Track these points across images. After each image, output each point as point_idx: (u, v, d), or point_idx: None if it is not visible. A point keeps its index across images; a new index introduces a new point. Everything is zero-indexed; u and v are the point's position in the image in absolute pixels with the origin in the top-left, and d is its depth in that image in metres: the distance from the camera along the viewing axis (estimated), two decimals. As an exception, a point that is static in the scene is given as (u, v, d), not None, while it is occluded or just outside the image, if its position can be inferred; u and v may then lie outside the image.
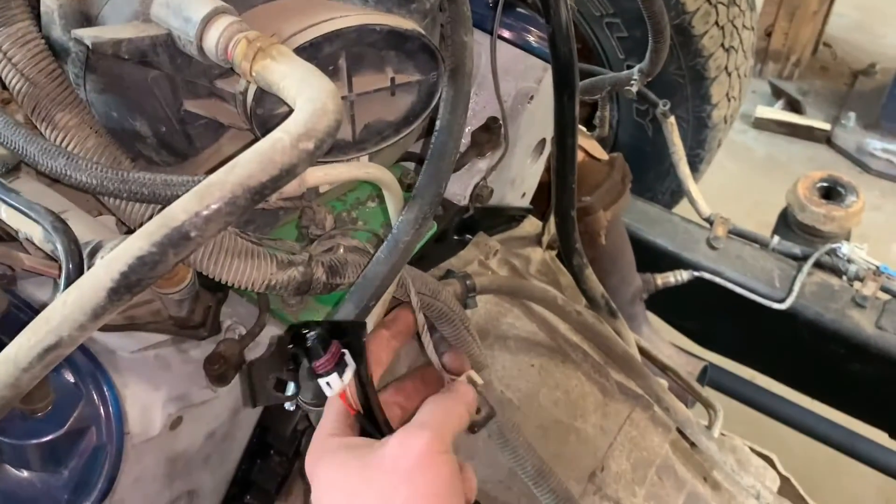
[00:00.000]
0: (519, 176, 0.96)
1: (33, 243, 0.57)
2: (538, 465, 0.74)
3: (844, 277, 1.39)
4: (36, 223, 0.53)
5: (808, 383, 1.43)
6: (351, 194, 0.82)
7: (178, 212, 0.43)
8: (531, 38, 0.85)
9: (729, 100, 1.73)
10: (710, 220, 1.43)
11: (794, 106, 2.84)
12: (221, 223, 0.43)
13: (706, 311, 1.43)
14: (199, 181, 0.48)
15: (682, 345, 1.40)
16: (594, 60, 1.65)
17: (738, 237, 1.44)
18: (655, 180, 1.83)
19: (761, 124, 2.77)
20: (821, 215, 1.49)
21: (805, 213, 1.51)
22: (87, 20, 0.57)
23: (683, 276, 1.31)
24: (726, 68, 1.67)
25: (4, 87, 0.56)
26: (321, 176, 0.54)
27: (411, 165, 0.86)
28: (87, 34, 0.51)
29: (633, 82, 1.08)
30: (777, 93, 2.90)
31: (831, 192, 1.55)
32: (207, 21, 0.51)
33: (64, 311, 0.44)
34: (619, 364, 0.87)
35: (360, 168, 0.57)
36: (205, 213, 0.42)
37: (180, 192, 0.50)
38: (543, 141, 0.97)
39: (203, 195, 0.43)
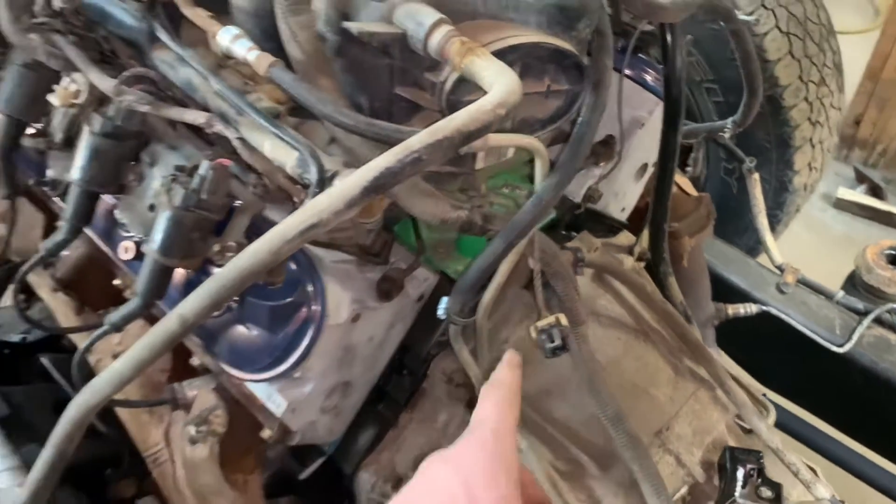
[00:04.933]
0: (622, 190, 1.16)
1: (283, 171, 0.80)
2: (617, 410, 0.92)
3: (902, 335, 1.52)
4: (296, 151, 0.76)
5: (855, 426, 1.55)
6: (490, 181, 1.03)
7: (415, 142, 0.64)
8: (648, 78, 1.07)
9: (810, 169, 1.90)
10: (781, 268, 1.59)
11: (876, 192, 2.96)
12: (441, 154, 0.65)
13: (768, 349, 1.57)
14: (419, 132, 0.70)
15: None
16: (691, 119, 1.85)
17: (805, 287, 1.59)
18: (734, 234, 1.99)
19: (842, 205, 2.90)
20: (885, 278, 1.63)
21: (871, 275, 1.65)
22: (345, 20, 0.80)
23: (752, 308, 1.47)
24: (811, 140, 1.84)
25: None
26: (499, 139, 0.76)
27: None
28: (354, 26, 0.75)
29: (726, 130, 1.28)
30: (860, 178, 3.02)
31: (898, 259, 1.69)
32: (434, 26, 0.73)
33: (328, 199, 0.66)
34: (690, 349, 1.05)
35: (523, 138, 0.78)
36: (432, 143, 0.64)
37: (406, 137, 0.71)
38: (645, 166, 1.17)
39: (433, 132, 0.64)
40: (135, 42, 0.91)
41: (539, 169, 0.78)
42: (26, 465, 1.00)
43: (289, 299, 0.78)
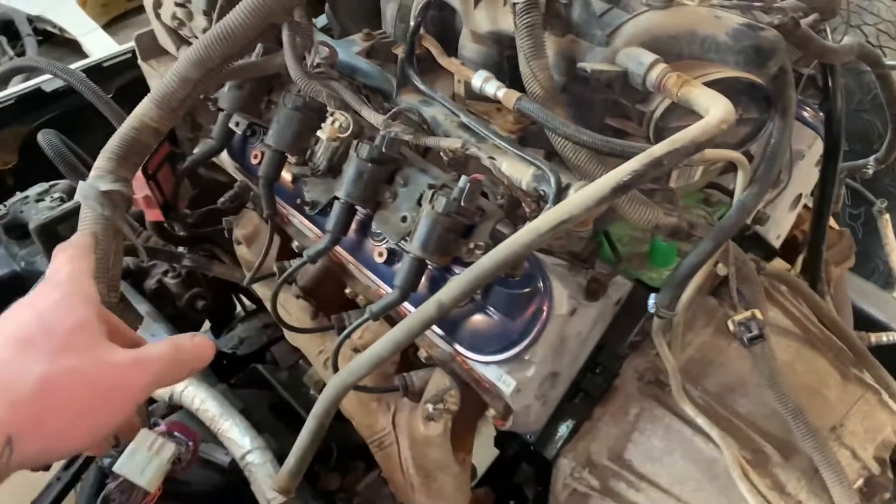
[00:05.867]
0: (779, 218, 1.29)
1: (520, 188, 0.97)
2: (797, 403, 1.03)
3: None
4: (533, 168, 0.93)
5: None
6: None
7: (658, 149, 0.80)
8: (807, 115, 1.21)
9: (937, 214, 1.97)
10: (917, 303, 1.66)
11: None
12: (678, 159, 0.80)
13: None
14: (643, 148, 0.85)
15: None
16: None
17: (943, 321, 1.65)
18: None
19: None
20: None
21: None
22: (569, 63, 0.98)
23: (894, 336, 1.54)
24: (937, 187, 1.93)
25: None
26: (711, 153, 0.91)
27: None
28: (588, 66, 0.92)
29: (868, 167, 1.40)
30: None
31: None
32: (653, 64, 0.90)
33: (580, 198, 0.81)
34: (855, 355, 1.15)
35: (731, 152, 0.92)
36: (671, 150, 0.79)
37: (634, 152, 0.87)
38: (800, 196, 1.30)
39: (673, 141, 0.80)
40: (379, 88, 1.12)
41: (741, 178, 0.92)
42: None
43: (526, 289, 0.94)
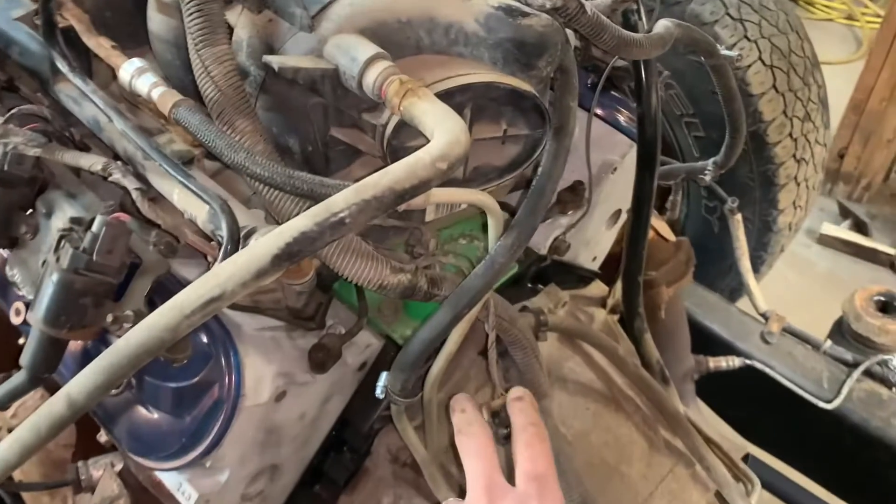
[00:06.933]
0: (594, 239, 1.06)
1: (195, 224, 0.69)
2: (584, 494, 0.81)
3: (894, 389, 1.42)
4: (206, 204, 0.65)
5: (846, 487, 1.45)
6: (445, 231, 0.92)
7: (339, 201, 0.54)
8: (621, 118, 0.97)
9: (795, 208, 1.81)
10: (765, 316, 1.49)
11: (860, 227, 2.88)
12: (370, 215, 0.54)
13: (752, 402, 1.47)
14: (349, 185, 0.59)
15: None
16: (671, 155, 1.76)
17: (791, 335, 1.49)
18: (716, 277, 1.89)
19: (826, 241, 2.82)
20: (875, 327, 1.53)
21: (860, 324, 1.55)
22: (270, 51, 0.70)
23: (735, 362, 1.36)
24: (796, 178, 1.76)
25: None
26: (443, 195, 0.65)
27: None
28: (275, 60, 0.64)
29: (706, 172, 1.18)
30: (845, 213, 2.95)
31: (888, 306, 1.59)
32: (370, 62, 0.63)
33: (232, 269, 0.55)
34: (667, 420, 0.94)
35: (473, 194, 0.67)
36: (359, 204, 0.53)
37: (332, 192, 0.61)
38: (619, 212, 1.07)
39: (360, 190, 0.54)
40: (38, 71, 0.80)
41: (492, 228, 0.67)
42: None
43: (195, 379, 0.67)
